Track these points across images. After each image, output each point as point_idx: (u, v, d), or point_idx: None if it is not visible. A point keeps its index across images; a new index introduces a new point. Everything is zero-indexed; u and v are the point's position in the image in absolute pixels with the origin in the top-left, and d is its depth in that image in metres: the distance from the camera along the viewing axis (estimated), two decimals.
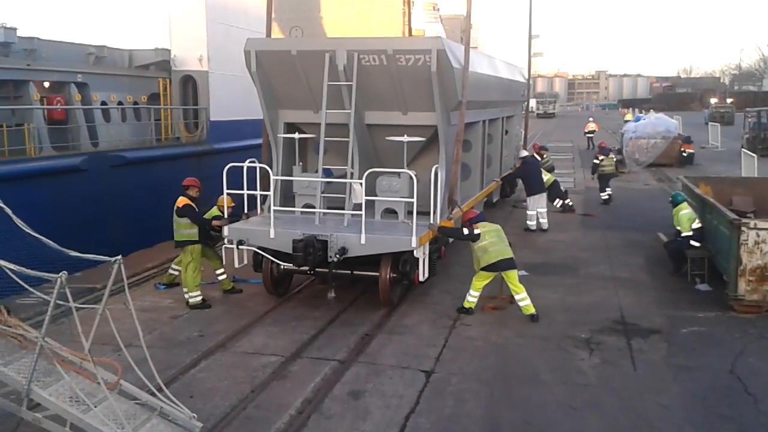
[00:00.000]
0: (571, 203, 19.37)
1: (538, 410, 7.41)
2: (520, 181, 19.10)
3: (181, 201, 11.01)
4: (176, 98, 24.08)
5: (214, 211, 11.53)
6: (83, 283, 11.05)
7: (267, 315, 10.65)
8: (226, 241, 10.94)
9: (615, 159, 21.87)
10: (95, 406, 5.90)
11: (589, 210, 19.69)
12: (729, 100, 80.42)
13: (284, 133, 12.11)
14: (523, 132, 24.47)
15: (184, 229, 10.98)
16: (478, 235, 10.35)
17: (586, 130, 43.06)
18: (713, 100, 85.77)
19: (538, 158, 19.62)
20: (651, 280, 12.43)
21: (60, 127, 19.68)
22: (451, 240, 12.01)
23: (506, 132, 18.87)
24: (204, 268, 11.48)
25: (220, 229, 11.09)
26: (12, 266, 6.18)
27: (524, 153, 18.76)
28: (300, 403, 7.56)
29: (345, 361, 8.74)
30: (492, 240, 10.34)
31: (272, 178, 11.23)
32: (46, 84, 20.11)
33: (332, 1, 23.22)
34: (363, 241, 10.05)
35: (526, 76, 23.10)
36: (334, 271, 10.20)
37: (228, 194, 11.31)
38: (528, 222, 16.84)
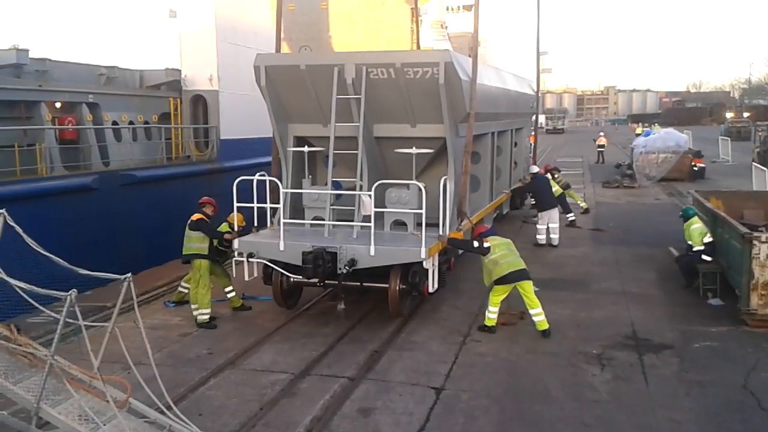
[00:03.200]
0: (573, 218, 19.27)
1: (550, 427, 7.35)
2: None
3: (196, 216, 11.17)
4: (187, 117, 24.31)
5: (224, 226, 11.60)
6: (93, 301, 11.09)
7: (276, 332, 10.64)
8: (236, 254, 10.99)
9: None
10: (104, 425, 5.91)
11: (599, 225, 19.62)
12: (746, 115, 79.69)
13: (294, 147, 12.16)
14: (533, 145, 24.41)
15: (194, 242, 11.07)
16: (488, 248, 10.32)
17: (598, 144, 43.14)
18: (729, 115, 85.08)
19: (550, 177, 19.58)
20: (662, 295, 12.34)
21: (71, 146, 19.85)
22: (460, 252, 11.97)
23: (515, 144, 18.87)
24: (213, 285, 11.48)
25: (230, 244, 11.15)
26: (22, 285, 6.23)
27: (535, 169, 18.73)
28: (309, 420, 7.52)
29: (354, 378, 8.71)
30: (502, 252, 10.31)
31: (282, 190, 11.28)
32: (58, 104, 20.29)
33: (341, 20, 23.42)
34: (372, 252, 10.06)
35: (535, 89, 23.06)
36: (343, 282, 10.20)
37: (238, 211, 11.36)
38: (537, 236, 16.80)
